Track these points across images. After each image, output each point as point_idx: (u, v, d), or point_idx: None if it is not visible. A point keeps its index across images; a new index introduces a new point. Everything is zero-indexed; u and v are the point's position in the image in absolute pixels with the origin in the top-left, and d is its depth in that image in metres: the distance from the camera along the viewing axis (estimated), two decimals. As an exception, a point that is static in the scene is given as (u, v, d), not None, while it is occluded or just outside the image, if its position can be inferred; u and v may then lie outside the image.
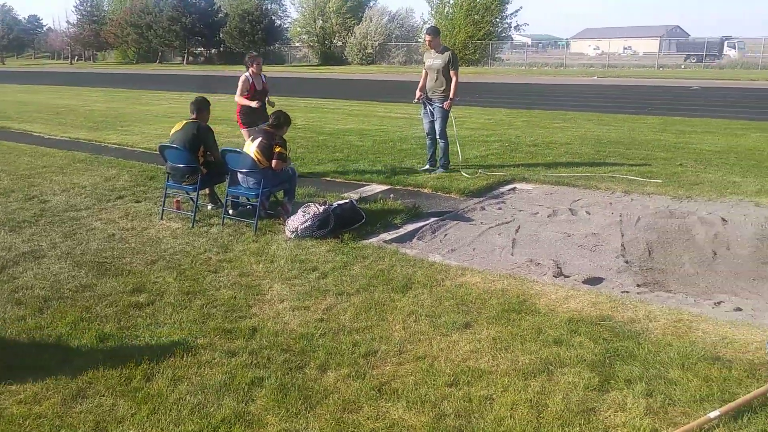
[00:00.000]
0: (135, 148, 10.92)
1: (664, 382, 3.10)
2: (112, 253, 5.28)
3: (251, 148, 6.05)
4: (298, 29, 63.56)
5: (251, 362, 3.41)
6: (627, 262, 5.26)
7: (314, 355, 3.49)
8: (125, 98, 22.33)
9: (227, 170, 6.17)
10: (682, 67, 41.55)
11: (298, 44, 64.53)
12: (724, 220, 6.21)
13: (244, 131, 7.74)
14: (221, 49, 63.20)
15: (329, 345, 3.59)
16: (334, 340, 3.67)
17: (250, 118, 7.69)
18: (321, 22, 59.48)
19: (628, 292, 4.55)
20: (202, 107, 6.44)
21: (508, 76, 34.46)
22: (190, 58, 64.44)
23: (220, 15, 62.08)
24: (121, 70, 55.10)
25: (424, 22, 52.66)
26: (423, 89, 8.31)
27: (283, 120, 6.24)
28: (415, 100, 8.43)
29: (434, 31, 8.58)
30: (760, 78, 28.99)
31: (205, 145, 6.23)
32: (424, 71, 8.39)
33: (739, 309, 4.21)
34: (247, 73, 7.71)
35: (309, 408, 2.98)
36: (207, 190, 6.69)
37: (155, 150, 10.34)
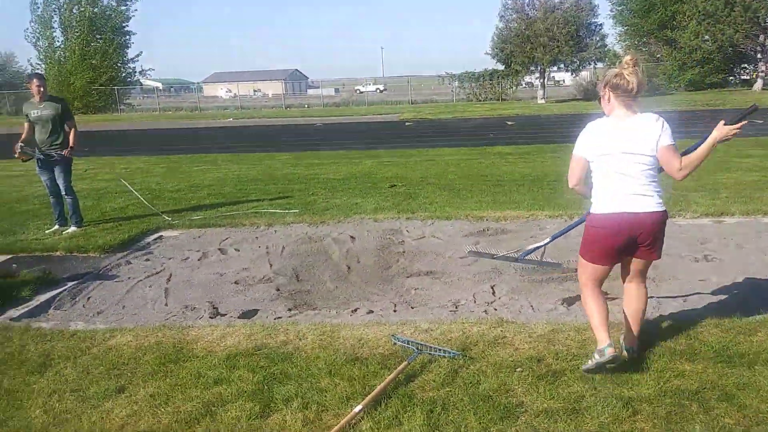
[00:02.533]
0: None
1: (317, 392, 3.40)
2: None
3: None
4: None
5: None
6: (278, 289, 5.60)
7: None
8: None
9: None
10: (306, 106, 46.23)
11: None
12: (352, 237, 7.12)
13: None
14: None
15: (-56, 460, 2.94)
16: (-50, 452, 3.01)
17: None
18: None
19: (280, 317, 4.85)
20: None
21: (142, 122, 33.26)
22: None
23: None
24: None
25: (33, 68, 46.94)
26: (26, 141, 7.52)
27: None
28: (16, 156, 7.52)
29: (44, 77, 7.86)
30: (368, 113, 34.23)
31: None
32: (27, 124, 7.59)
33: (371, 311, 4.88)
34: None
35: None
36: None
37: None
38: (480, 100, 41.97)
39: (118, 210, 8.88)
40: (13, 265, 6.22)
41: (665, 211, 3.47)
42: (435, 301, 5.15)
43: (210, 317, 4.91)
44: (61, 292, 5.56)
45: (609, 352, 3.36)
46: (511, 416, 3.11)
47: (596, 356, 3.44)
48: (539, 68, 39.83)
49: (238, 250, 6.88)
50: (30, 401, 3.48)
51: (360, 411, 3.12)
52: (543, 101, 38.59)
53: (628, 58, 3.44)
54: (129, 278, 6.04)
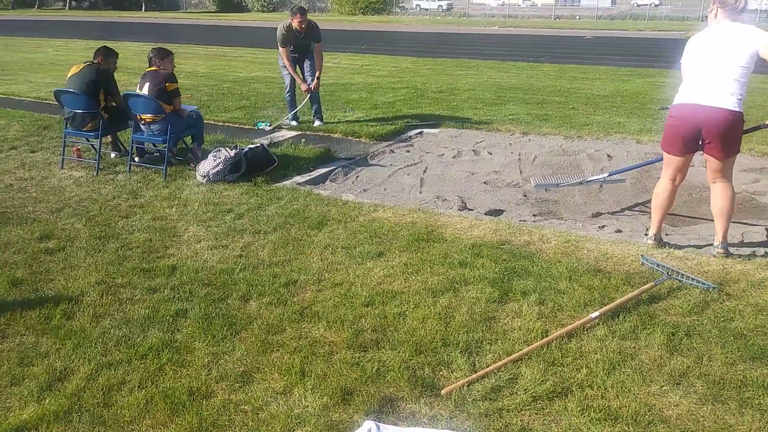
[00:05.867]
0: (23, 98, 10.23)
1: (554, 292, 3.50)
2: (12, 202, 5.08)
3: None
4: (193, -27, 59.99)
5: (173, 297, 3.50)
6: (524, 195, 5.70)
7: (236, 287, 3.62)
8: (4, 46, 20.52)
9: (130, 115, 5.99)
10: (577, 18, 43.22)
11: (193, -11, 61.05)
12: (609, 156, 6.79)
13: None
14: (107, -7, 58.80)
15: (250, 278, 3.73)
16: (254, 273, 3.81)
17: None
18: (217, -35, 56.28)
19: (525, 220, 4.97)
20: (108, 54, 6.18)
21: (413, 25, 34.52)
22: (73, 3, 59.46)
23: (105, -45, 57.38)
24: (-6, 15, 50.02)
25: None
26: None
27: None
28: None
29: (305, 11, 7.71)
30: (647, 28, 30.80)
31: (105, 89, 6.00)
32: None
33: (620, 231, 4.72)
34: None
35: (234, 333, 3.14)
36: (109, 138, 6.47)
37: (45, 99, 9.76)
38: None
39: (387, 104, 9.62)
40: (302, 140, 7.25)
41: (737, 113, 3.71)
42: (694, 232, 4.77)
43: (459, 209, 5.23)
44: (336, 168, 6.36)
45: (650, 243, 4.19)
46: (765, 358, 2.87)
47: (645, 238, 4.29)
48: None
49: (491, 153, 7.05)
50: (310, 249, 4.18)
51: (596, 317, 3.16)
52: None
53: None
54: (391, 165, 6.65)
